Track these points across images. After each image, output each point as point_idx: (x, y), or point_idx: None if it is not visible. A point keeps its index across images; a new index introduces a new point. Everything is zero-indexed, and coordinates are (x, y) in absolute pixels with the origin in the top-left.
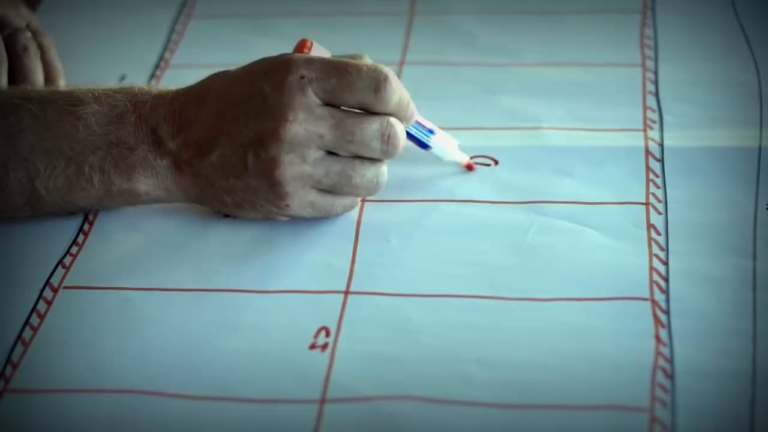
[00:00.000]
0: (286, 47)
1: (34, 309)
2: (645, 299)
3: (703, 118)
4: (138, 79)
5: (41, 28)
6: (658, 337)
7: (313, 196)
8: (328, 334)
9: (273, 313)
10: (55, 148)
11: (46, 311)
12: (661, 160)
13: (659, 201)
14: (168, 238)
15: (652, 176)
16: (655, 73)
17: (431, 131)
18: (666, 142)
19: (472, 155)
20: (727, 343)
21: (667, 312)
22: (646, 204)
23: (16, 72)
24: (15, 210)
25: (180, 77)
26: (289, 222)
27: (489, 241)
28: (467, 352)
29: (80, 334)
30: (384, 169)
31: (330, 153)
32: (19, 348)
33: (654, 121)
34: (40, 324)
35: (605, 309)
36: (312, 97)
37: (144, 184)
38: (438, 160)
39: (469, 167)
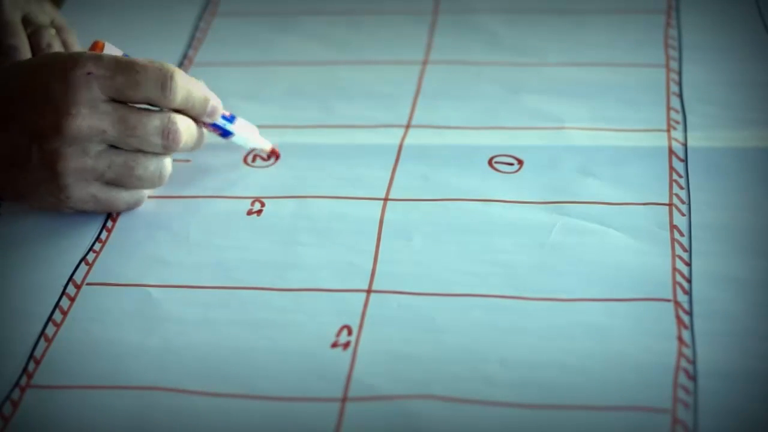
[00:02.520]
0: (310, 45)
1: (57, 305)
2: (668, 300)
3: (727, 118)
4: None
5: (66, 25)
6: (680, 339)
7: (95, 189)
8: (350, 333)
9: (295, 311)
10: None
11: (69, 308)
12: (685, 161)
13: (683, 202)
14: (191, 235)
15: (675, 177)
16: (679, 73)
17: (231, 118)
18: (690, 143)
19: (495, 155)
20: (750, 344)
21: (689, 313)
22: (670, 205)
23: None
24: None
25: (203, 75)
26: (311, 221)
27: (512, 240)
28: (489, 352)
29: (102, 331)
30: (167, 162)
31: (114, 147)
32: (42, 344)
33: (678, 122)
34: (62, 320)
35: (628, 310)
36: (97, 93)
37: None
38: (241, 147)
39: (274, 153)
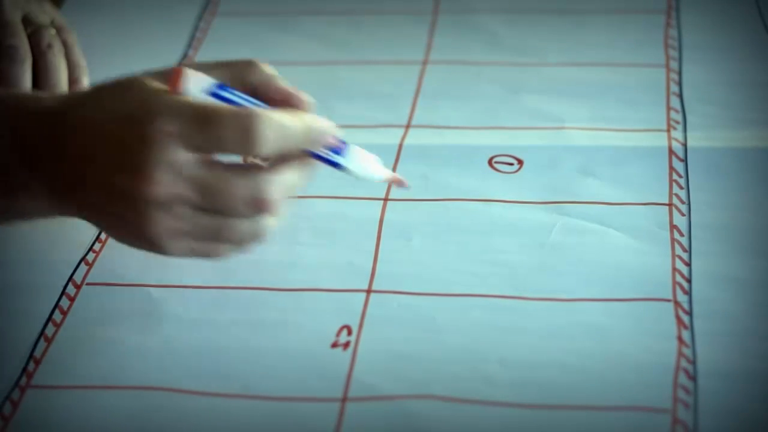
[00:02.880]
0: (310, 45)
1: (56, 305)
2: (668, 300)
3: (726, 118)
4: None
5: (66, 25)
6: (680, 339)
7: (193, 244)
8: (350, 333)
9: (295, 311)
10: None
11: (69, 308)
12: (685, 161)
13: (682, 202)
14: None
15: (675, 177)
16: (679, 73)
17: (339, 151)
18: (690, 143)
19: (495, 155)
20: (750, 344)
21: (689, 313)
22: (670, 205)
23: (40, 69)
24: None
25: None
26: (311, 221)
27: (512, 240)
28: (489, 352)
29: (102, 331)
30: (264, 222)
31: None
32: (42, 344)
33: (678, 122)
34: (62, 320)
35: (628, 310)
36: (177, 154)
37: (22, 205)
38: (356, 177)
39: (399, 182)
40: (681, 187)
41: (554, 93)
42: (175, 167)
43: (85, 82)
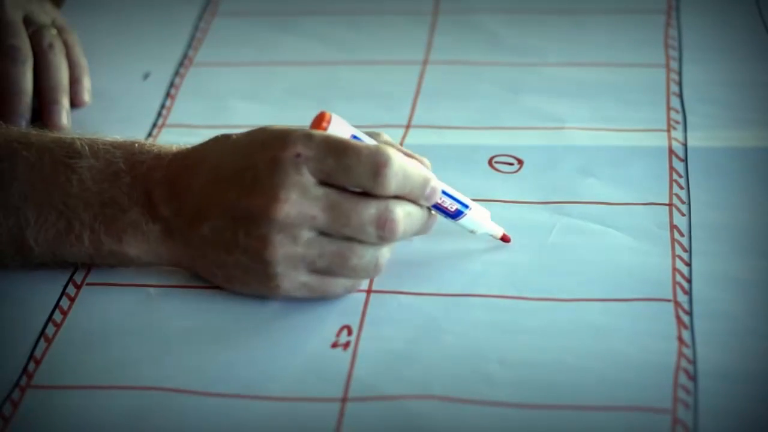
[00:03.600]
0: (310, 45)
1: (57, 305)
2: (668, 300)
3: (726, 118)
4: (162, 77)
5: (66, 25)
6: (680, 339)
7: (306, 278)
8: (350, 333)
9: (295, 311)
10: (47, 200)
11: (69, 308)
12: (685, 161)
13: (683, 202)
14: None
15: (675, 177)
16: (679, 73)
17: (462, 207)
18: (690, 143)
19: (495, 155)
20: (750, 344)
21: (689, 313)
22: (670, 205)
23: (41, 69)
24: (6, 259)
25: (204, 75)
26: None
27: (512, 240)
28: (489, 352)
29: (102, 331)
30: (384, 251)
31: (325, 233)
32: (42, 344)
33: (678, 122)
34: (62, 320)
35: (628, 310)
36: (307, 177)
37: (134, 248)
38: (470, 233)
39: (505, 239)
40: (681, 187)
41: (554, 93)
42: (305, 189)
43: (86, 82)
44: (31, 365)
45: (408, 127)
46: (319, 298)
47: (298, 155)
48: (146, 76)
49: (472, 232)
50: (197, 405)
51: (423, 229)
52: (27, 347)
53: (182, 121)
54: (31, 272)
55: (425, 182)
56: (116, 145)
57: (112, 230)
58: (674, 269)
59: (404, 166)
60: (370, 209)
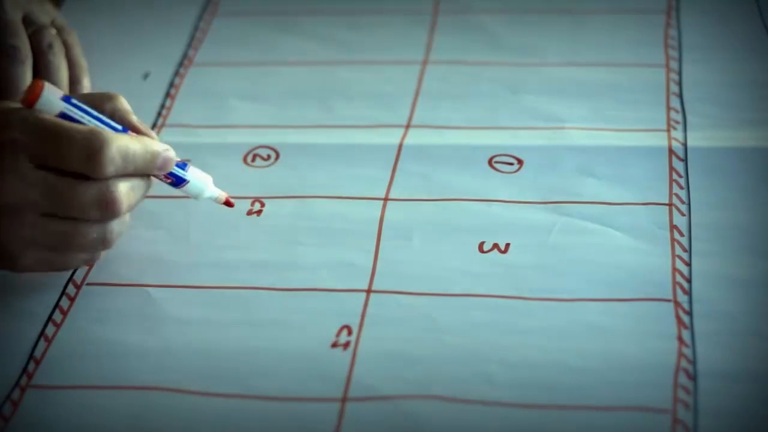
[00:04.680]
0: (310, 45)
1: (57, 306)
2: (668, 300)
3: (726, 118)
4: (162, 77)
5: (66, 25)
6: (680, 339)
7: (42, 254)
8: (350, 333)
9: (295, 311)
10: None
11: (69, 308)
12: (685, 161)
13: (683, 202)
14: (191, 235)
15: (675, 177)
16: (679, 73)
17: (183, 165)
18: (690, 143)
19: (495, 155)
20: (750, 344)
21: (689, 313)
22: (670, 205)
23: (41, 69)
24: None
25: (204, 75)
26: (311, 221)
27: (512, 240)
28: (489, 352)
29: (102, 331)
30: (113, 226)
31: (50, 215)
32: (42, 344)
33: (677, 122)
34: (62, 321)
35: (628, 310)
36: (23, 161)
37: None
38: (194, 197)
39: (228, 203)
40: (681, 187)
41: (554, 93)
42: (22, 174)
43: (86, 82)
44: (31, 365)
45: (408, 127)
46: (57, 270)
47: (14, 141)
48: (146, 76)
49: (195, 198)
50: (197, 405)
51: (142, 199)
52: (27, 347)
53: (182, 121)
54: (31, 272)
55: (154, 157)
56: None
57: None
58: (674, 269)
59: (124, 148)
60: (90, 191)
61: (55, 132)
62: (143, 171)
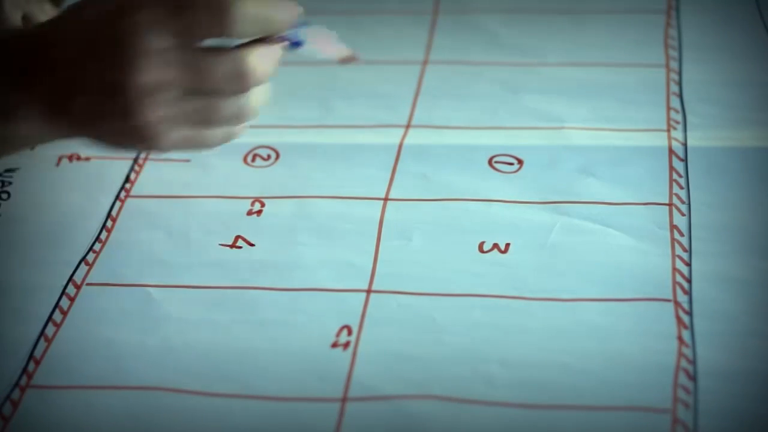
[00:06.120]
0: None
1: (57, 306)
2: (668, 300)
3: (727, 118)
4: None
5: None
6: (680, 339)
7: (183, 133)
8: (350, 333)
9: (295, 311)
10: None
11: (69, 308)
12: (685, 161)
13: (683, 202)
14: (191, 235)
15: (675, 176)
16: (679, 73)
17: (303, 27)
18: (690, 143)
19: (495, 155)
20: (750, 344)
21: (689, 313)
22: (670, 205)
23: None
24: None
25: None
26: (311, 221)
27: (512, 240)
28: (489, 352)
29: (102, 331)
30: (248, 99)
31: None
32: (42, 344)
33: (678, 122)
34: (62, 321)
35: (628, 310)
36: (159, 42)
37: (22, 127)
38: (313, 56)
39: (350, 59)
40: (681, 187)
41: (554, 93)
42: (159, 54)
43: None
44: (31, 365)
45: (408, 127)
46: (200, 148)
47: (146, 22)
48: None
49: (314, 56)
50: (197, 405)
51: (279, 60)
52: (27, 347)
53: None
54: (30, 272)
55: (273, 13)
56: None
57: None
58: (674, 269)
59: (252, 5)
60: (225, 64)
61: (183, 4)
62: (271, 31)
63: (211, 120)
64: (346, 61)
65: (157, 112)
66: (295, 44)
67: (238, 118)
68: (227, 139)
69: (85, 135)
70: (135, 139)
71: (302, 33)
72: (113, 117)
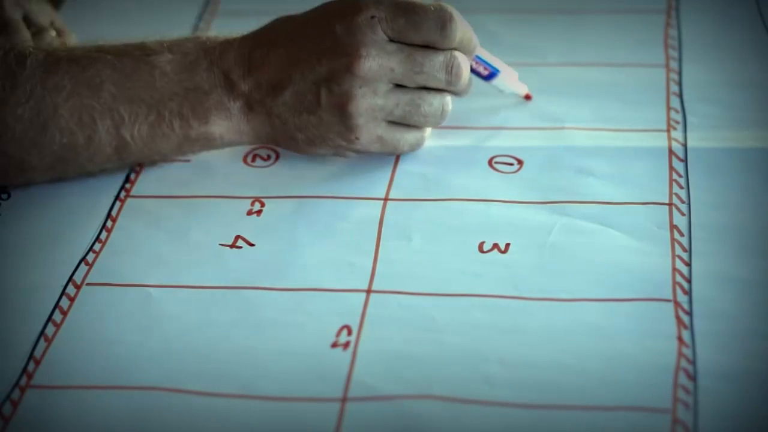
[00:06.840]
0: None
1: (56, 306)
2: (668, 300)
3: (726, 118)
4: None
5: (65, 27)
6: (680, 339)
7: (382, 130)
8: (350, 333)
9: (295, 311)
10: (136, 96)
11: (69, 308)
12: (685, 161)
13: (682, 201)
14: (191, 235)
15: (675, 176)
16: (679, 73)
17: (494, 71)
18: (689, 143)
19: (495, 155)
20: (750, 344)
21: (689, 313)
22: (670, 204)
23: None
24: (104, 161)
25: None
26: (311, 221)
27: (512, 240)
28: (489, 352)
29: (102, 331)
30: (449, 99)
31: (398, 86)
32: (42, 344)
33: (677, 122)
34: (62, 320)
35: (628, 310)
36: (381, 35)
37: (219, 126)
38: (499, 92)
39: (528, 97)
40: (681, 187)
41: (554, 93)
42: (381, 45)
43: None
44: (31, 365)
45: None
46: (391, 150)
47: (373, 17)
48: None
49: (501, 91)
50: (197, 405)
51: (469, 84)
52: (27, 347)
53: None
54: (30, 272)
55: (472, 37)
56: (185, 39)
57: (199, 112)
58: (674, 269)
59: (463, 22)
60: (439, 57)
61: (410, 5)
62: (469, 50)
63: (413, 114)
64: (527, 98)
65: (370, 100)
66: (492, 75)
67: (435, 116)
68: (415, 145)
69: (279, 134)
70: (335, 132)
71: (498, 64)
72: (321, 107)
